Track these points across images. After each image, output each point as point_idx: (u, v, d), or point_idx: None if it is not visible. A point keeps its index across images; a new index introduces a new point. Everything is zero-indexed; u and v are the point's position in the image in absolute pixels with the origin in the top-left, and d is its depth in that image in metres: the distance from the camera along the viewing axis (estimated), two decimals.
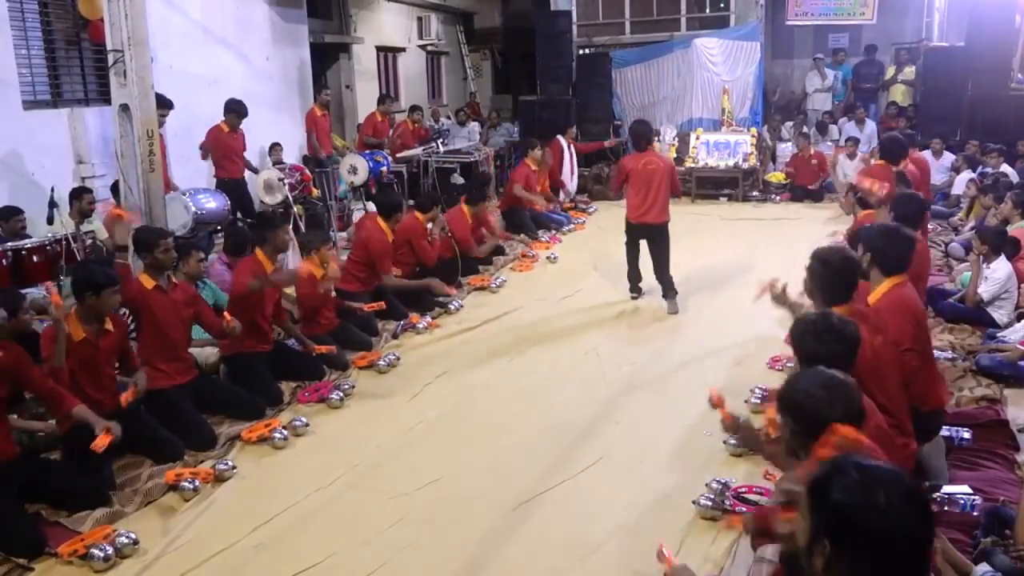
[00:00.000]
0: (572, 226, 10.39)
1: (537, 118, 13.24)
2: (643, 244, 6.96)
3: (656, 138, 8.27)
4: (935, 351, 5.37)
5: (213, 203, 7.42)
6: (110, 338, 4.42)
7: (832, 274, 3.42)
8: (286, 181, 8.58)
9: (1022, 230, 6.66)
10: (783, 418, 2.52)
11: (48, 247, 5.61)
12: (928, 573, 1.58)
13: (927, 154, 11.06)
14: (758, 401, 4.75)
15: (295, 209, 8.51)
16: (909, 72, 13.43)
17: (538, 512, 3.88)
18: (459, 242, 7.99)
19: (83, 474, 4.01)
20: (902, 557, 1.51)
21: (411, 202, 8.24)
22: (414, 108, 12.48)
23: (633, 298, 7.12)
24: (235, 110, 8.66)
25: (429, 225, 7.47)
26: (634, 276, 7.16)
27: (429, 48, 16.41)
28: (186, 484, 4.10)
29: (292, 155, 10.49)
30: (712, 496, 3.78)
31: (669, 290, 6.84)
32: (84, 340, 4.27)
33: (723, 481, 3.89)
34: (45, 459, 4.23)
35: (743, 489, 3.85)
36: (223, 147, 8.66)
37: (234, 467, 4.33)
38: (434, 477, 4.21)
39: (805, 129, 12.94)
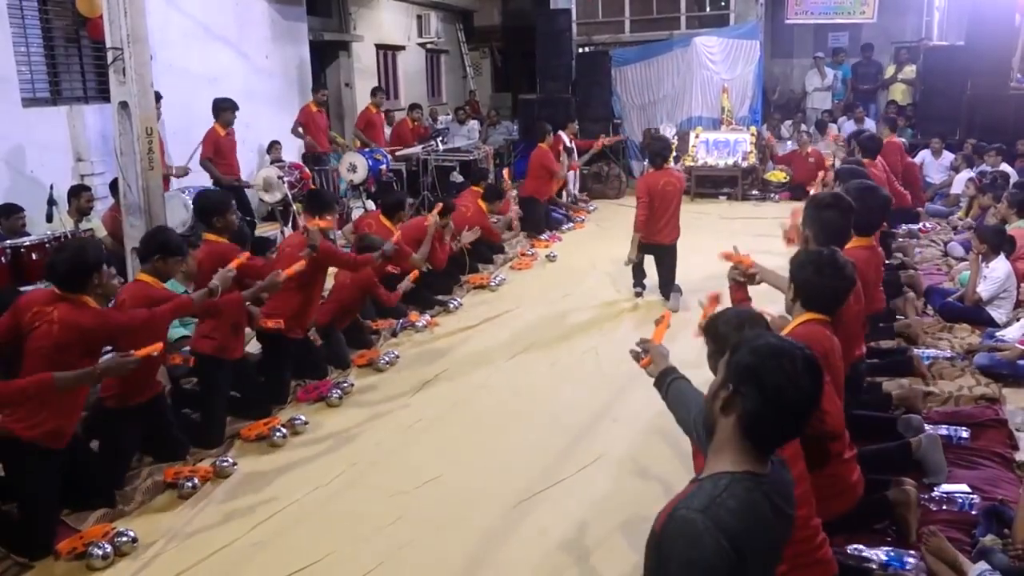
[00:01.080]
0: (572, 225, 10.40)
1: (537, 116, 13.22)
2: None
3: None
4: (933, 350, 5.44)
5: None
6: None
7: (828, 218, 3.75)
8: (285, 179, 8.59)
9: (1020, 229, 6.66)
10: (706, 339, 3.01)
11: (47, 245, 5.61)
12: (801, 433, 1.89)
13: (926, 153, 11.10)
14: None
15: (294, 207, 8.52)
16: (909, 71, 13.42)
17: (538, 510, 3.89)
18: (485, 231, 8.18)
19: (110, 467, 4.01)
20: (789, 412, 1.79)
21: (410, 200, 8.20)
22: (413, 106, 12.49)
23: (637, 293, 7.18)
24: (227, 107, 8.43)
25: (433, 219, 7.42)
26: (639, 273, 7.21)
27: (429, 46, 16.40)
28: (185, 482, 4.10)
29: (291, 153, 10.49)
30: None
31: (671, 289, 6.93)
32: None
33: None
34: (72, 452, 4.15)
35: None
36: (223, 150, 8.53)
37: (234, 463, 4.33)
38: (433, 475, 4.21)
39: (804, 127, 12.95)
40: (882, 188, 4.22)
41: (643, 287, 7.21)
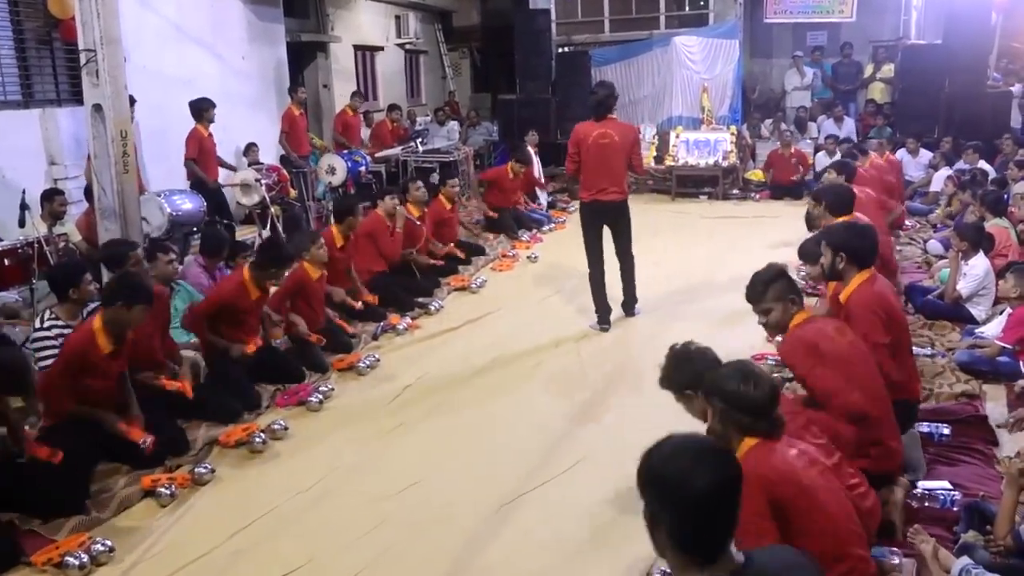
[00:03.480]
0: (552, 225, 10.41)
1: (516, 117, 13.29)
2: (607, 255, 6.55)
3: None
4: (914, 348, 5.47)
5: (189, 204, 7.38)
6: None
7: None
8: (263, 182, 8.54)
9: (997, 227, 6.74)
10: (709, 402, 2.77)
11: (19, 250, 5.56)
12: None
13: (903, 152, 11.21)
14: None
15: (272, 210, 8.48)
16: (887, 70, 13.54)
17: (520, 514, 3.88)
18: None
19: (63, 481, 3.96)
20: (694, 511, 1.69)
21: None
22: (392, 107, 12.48)
23: (603, 330, 6.39)
24: (208, 106, 8.38)
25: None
26: (601, 301, 6.44)
27: (407, 47, 16.37)
28: (163, 490, 4.06)
29: (269, 155, 10.43)
30: None
31: (631, 299, 6.64)
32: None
33: None
34: (19, 465, 4.18)
35: None
36: (207, 151, 8.48)
37: (212, 470, 4.30)
38: (414, 480, 4.20)
39: (784, 126, 13.03)
40: (870, 226, 4.27)
41: (608, 323, 6.43)
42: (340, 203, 7.22)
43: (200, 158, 8.37)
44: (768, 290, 3.61)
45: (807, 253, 4.84)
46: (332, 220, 6.93)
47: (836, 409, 3.37)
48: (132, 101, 7.30)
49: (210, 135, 8.51)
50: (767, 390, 2.60)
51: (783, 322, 3.63)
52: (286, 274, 5.77)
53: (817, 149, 12.13)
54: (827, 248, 3.95)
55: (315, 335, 5.82)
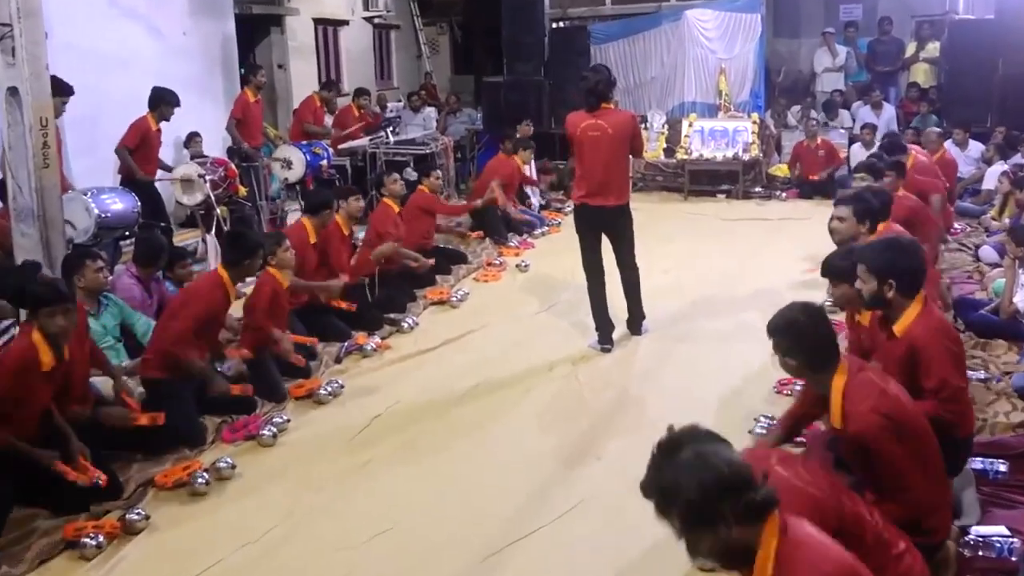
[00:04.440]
0: (546, 228, 10.44)
1: (504, 102, 13.30)
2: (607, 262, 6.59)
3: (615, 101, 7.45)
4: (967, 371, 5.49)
5: (120, 204, 7.34)
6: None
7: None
8: (208, 178, 8.51)
9: None
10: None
11: None
12: None
13: (950, 144, 11.22)
14: (763, 431, 4.77)
15: (218, 211, 8.45)
16: (932, 49, 13.60)
17: (510, 564, 3.87)
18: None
19: None
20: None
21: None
22: (360, 91, 12.47)
23: (605, 350, 6.42)
24: (170, 101, 8.57)
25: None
26: (602, 317, 6.46)
27: (376, 21, 16.40)
28: (88, 540, 4.03)
29: (215, 147, 10.41)
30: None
31: (636, 316, 6.66)
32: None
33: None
34: None
35: None
36: (149, 145, 8.56)
37: (147, 517, 4.27)
38: (386, 526, 4.18)
39: (813, 114, 13.11)
40: (912, 241, 4.25)
41: (610, 343, 6.45)
42: (314, 194, 7.36)
43: (139, 151, 8.41)
44: (778, 337, 3.50)
45: (835, 270, 4.62)
46: (302, 213, 7.11)
47: (898, 493, 3.29)
48: (69, 91, 7.31)
49: (158, 130, 8.62)
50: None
51: (797, 375, 3.72)
52: (252, 282, 5.86)
53: (852, 140, 12.21)
54: (869, 275, 3.86)
55: (296, 356, 5.88)
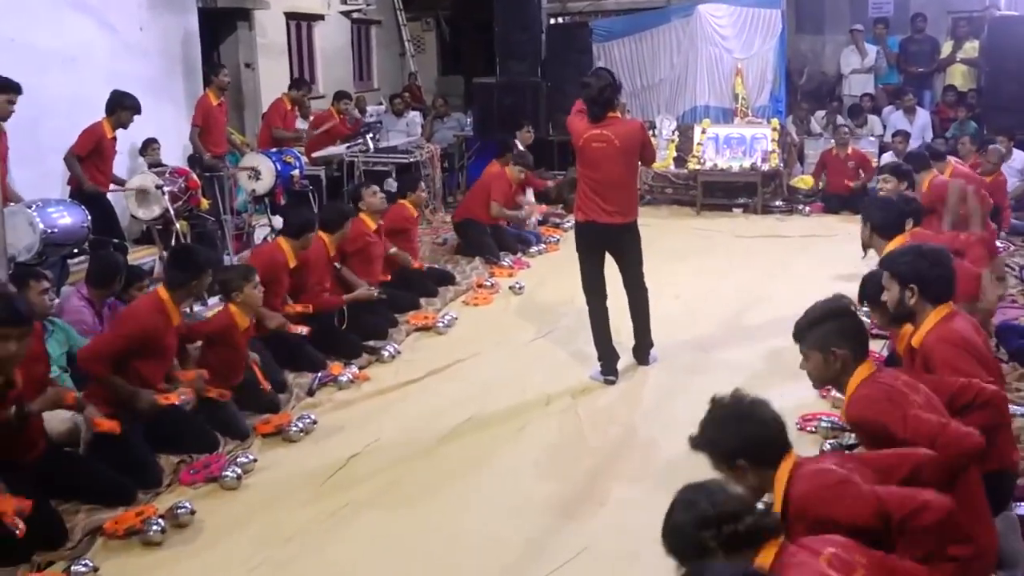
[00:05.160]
0: (543, 246, 10.46)
1: (497, 106, 13.32)
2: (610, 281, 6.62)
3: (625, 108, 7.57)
4: (1010, 406, 5.49)
5: (68, 219, 7.32)
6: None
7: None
8: (166, 189, 8.51)
9: None
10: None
11: None
12: None
13: (1005, 168, 11.20)
14: None
15: (177, 226, 8.45)
16: (970, 48, 13.70)
17: None
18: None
19: None
20: None
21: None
22: (341, 95, 12.49)
23: (608, 381, 6.44)
24: (130, 106, 8.59)
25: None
26: (605, 346, 6.49)
27: (355, 15, 16.49)
28: None
29: (174, 155, 10.42)
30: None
31: (644, 343, 6.68)
32: None
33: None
34: None
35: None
36: (103, 154, 8.57)
37: (95, 569, 4.24)
38: None
39: (840, 119, 13.17)
40: (940, 248, 4.32)
41: (614, 374, 6.47)
42: (295, 215, 7.35)
43: (90, 160, 8.42)
44: (810, 332, 3.66)
45: (872, 294, 4.67)
46: (281, 233, 7.20)
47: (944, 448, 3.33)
48: (15, 88, 7.33)
49: (114, 139, 8.63)
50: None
51: (823, 377, 3.71)
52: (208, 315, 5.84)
53: (883, 149, 12.29)
54: (891, 280, 4.00)
55: (218, 390, 5.79)
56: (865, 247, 5.95)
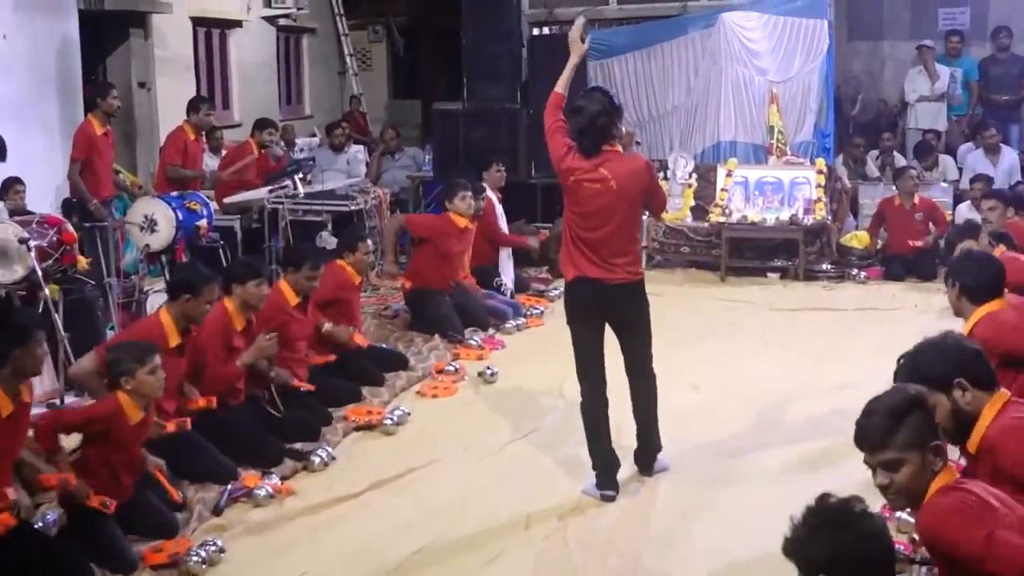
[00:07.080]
0: (522, 320, 10.48)
1: (463, 139, 13.34)
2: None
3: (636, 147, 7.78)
4: None
5: None
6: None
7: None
8: (32, 243, 8.50)
9: None
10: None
11: None
12: None
13: None
14: None
15: (47, 291, 8.42)
16: None
17: None
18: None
19: None
20: None
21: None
22: (263, 123, 12.45)
23: (606, 498, 6.38)
24: None
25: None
26: (602, 450, 6.45)
27: (282, 22, 16.63)
28: None
29: (44, 199, 10.42)
30: None
31: (650, 447, 6.68)
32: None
33: None
34: None
35: None
36: None
37: None
38: None
39: (902, 159, 13.29)
40: (993, 257, 4.82)
41: (613, 487, 6.41)
42: (180, 270, 7.68)
43: None
44: (899, 427, 3.60)
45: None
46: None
47: None
48: None
49: None
50: None
51: (919, 486, 3.62)
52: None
53: (958, 198, 12.38)
54: (933, 394, 3.92)
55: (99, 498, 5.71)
56: (956, 314, 5.90)
